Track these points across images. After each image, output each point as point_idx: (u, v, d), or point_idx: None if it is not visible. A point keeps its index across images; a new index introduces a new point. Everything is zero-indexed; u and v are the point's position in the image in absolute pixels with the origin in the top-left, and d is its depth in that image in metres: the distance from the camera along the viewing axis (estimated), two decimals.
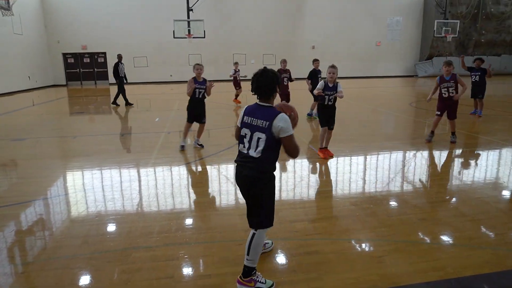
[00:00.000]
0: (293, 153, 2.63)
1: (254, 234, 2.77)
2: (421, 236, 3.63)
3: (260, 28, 26.26)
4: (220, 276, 2.95)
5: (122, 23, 24.80)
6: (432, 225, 3.86)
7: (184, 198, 4.84)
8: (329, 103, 6.36)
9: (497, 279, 2.87)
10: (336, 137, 8.10)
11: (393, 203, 4.57)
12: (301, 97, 13.08)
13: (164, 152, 7.01)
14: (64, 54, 25.35)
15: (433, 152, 7.06)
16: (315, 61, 10.64)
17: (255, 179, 2.67)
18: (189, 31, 22.20)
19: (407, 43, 29.02)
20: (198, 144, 7.25)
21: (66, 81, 25.76)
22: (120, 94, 14.06)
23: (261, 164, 2.65)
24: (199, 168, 6.20)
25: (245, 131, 2.72)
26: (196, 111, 7.06)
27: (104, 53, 25.59)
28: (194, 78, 6.95)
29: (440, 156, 6.85)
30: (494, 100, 14.37)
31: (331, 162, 6.29)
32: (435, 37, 26.76)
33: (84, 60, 25.75)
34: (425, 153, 6.99)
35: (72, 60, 25.63)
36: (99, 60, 25.87)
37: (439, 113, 7.45)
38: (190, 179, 5.68)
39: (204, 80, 7.01)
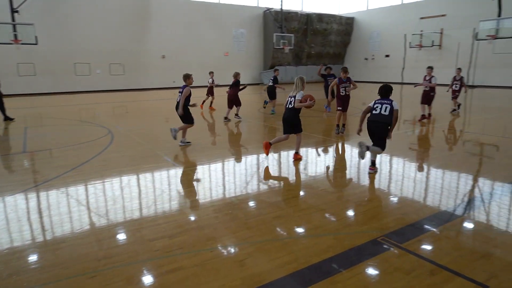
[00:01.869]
0: (396, 120, 5.75)
1: (379, 148, 5.90)
2: (277, 233, 3.91)
3: (105, 36, 24.44)
4: None
5: None
6: (286, 221, 4.19)
7: (24, 232, 4.07)
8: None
9: (339, 260, 3.29)
10: (193, 147, 8.12)
11: (251, 205, 4.81)
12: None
13: None
14: None
15: (281, 152, 7.76)
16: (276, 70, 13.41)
17: (383, 127, 5.76)
18: (15, 36, 19.17)
19: (252, 54, 31.34)
20: (186, 142, 8.18)
21: None
22: None
23: (387, 118, 5.71)
24: (41, 195, 5.33)
25: (377, 105, 5.85)
26: None
27: None
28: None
29: (288, 156, 7.56)
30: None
31: (191, 171, 6.26)
32: (275, 49, 29.64)
33: None
34: (276, 155, 7.62)
35: None
36: None
37: (340, 108, 9.26)
38: (29, 209, 4.82)
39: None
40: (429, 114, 11.60)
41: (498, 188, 5.32)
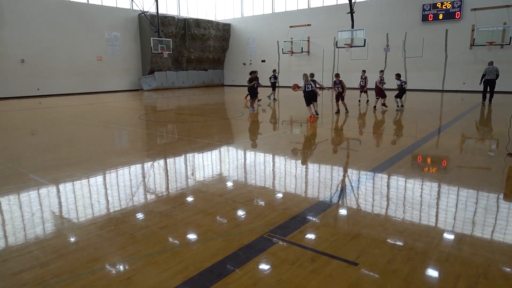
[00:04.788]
0: (405, 83, 15.54)
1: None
2: (166, 243, 3.78)
3: None
4: None
5: None
6: (175, 230, 4.08)
7: None
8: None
9: (229, 261, 3.35)
10: (66, 161, 7.34)
11: (137, 217, 4.54)
12: None
13: None
14: None
15: (167, 159, 7.55)
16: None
17: (404, 91, 14.99)
18: None
19: (128, 58, 29.73)
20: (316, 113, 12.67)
21: None
22: None
23: (405, 88, 14.96)
24: None
25: (403, 83, 14.84)
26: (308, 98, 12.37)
27: None
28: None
29: (175, 162, 7.40)
30: (207, 108, 16.90)
31: (66, 187, 5.62)
32: (153, 53, 28.72)
33: None
34: (161, 162, 7.38)
35: None
36: None
37: (336, 100, 13.69)
38: None
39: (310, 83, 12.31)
40: (383, 104, 14.87)
41: (363, 176, 6.11)
